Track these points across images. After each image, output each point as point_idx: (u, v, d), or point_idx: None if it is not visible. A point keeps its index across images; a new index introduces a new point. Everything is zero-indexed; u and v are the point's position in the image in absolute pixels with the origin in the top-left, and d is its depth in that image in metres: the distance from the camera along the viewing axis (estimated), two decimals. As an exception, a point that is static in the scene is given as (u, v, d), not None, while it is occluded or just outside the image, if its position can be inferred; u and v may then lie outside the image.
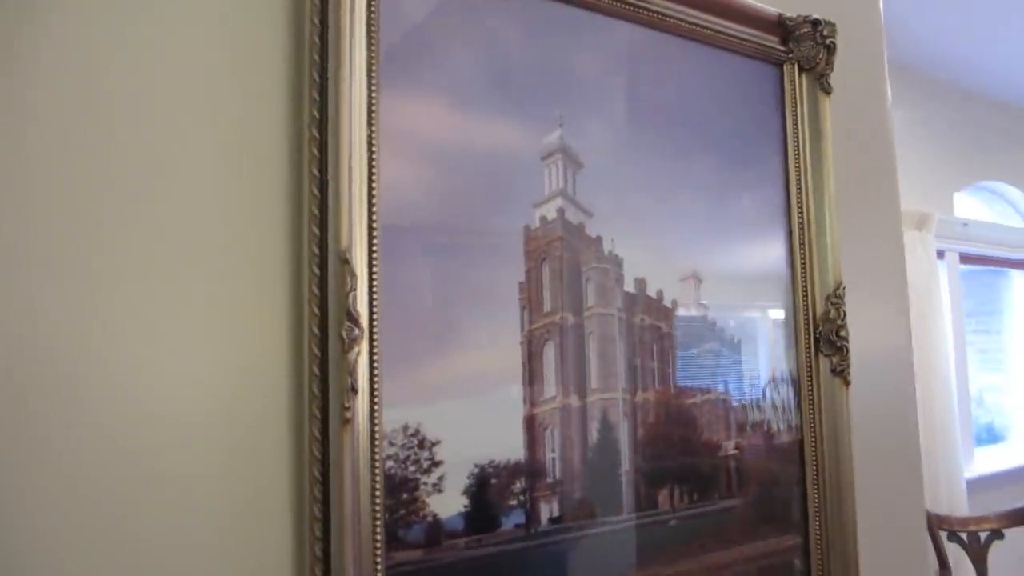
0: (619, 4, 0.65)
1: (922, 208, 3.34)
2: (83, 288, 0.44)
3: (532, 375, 0.58)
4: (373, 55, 0.51)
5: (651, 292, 0.66)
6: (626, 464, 0.63)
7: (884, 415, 0.82)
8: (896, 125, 2.92)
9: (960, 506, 3.27)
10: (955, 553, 2.83)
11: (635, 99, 0.68)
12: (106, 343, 0.44)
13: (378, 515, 0.49)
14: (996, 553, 2.88)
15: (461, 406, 0.55)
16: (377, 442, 0.49)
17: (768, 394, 0.73)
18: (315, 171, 0.49)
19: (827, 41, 0.79)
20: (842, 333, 0.76)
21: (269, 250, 0.49)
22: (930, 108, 3.73)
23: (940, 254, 3.60)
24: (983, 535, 2.86)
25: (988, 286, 4.31)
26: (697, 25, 0.71)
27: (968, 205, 4.11)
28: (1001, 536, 2.85)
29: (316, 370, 0.48)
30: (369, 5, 0.51)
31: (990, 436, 4.18)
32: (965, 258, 3.81)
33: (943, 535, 2.81)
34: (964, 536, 2.87)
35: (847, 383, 0.76)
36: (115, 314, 0.44)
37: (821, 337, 0.76)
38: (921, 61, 3.68)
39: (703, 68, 0.72)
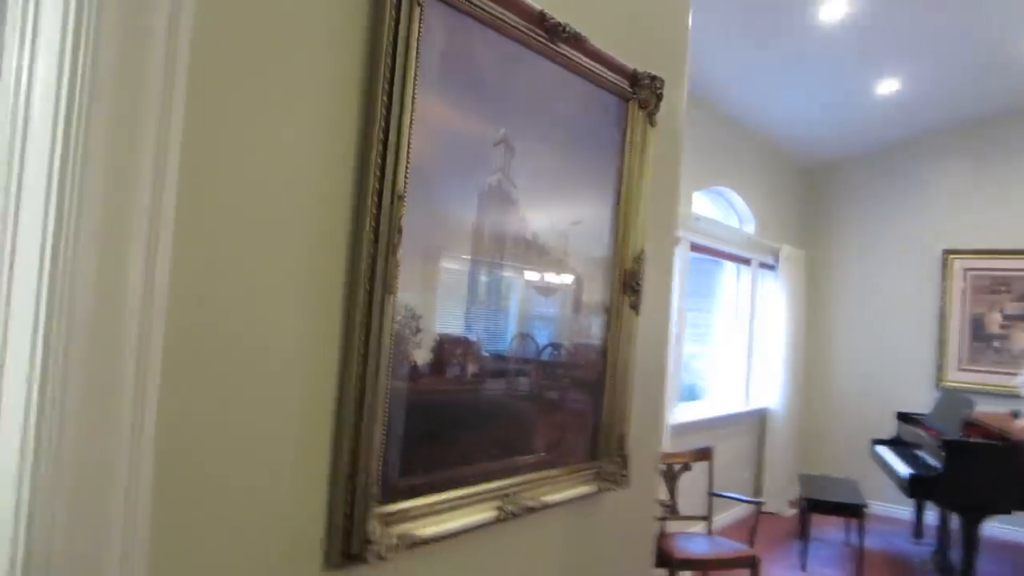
0: (545, 47, 1.01)
1: (672, 201, 4.06)
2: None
3: (472, 286, 0.94)
4: (416, 69, 0.82)
5: (540, 241, 1.05)
6: (514, 354, 1.01)
7: (651, 334, 1.29)
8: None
9: (665, 445, 4.10)
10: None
11: (544, 111, 1.05)
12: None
13: (390, 354, 0.82)
14: (684, 479, 3.75)
15: (435, 298, 0.89)
16: (395, 311, 0.82)
17: (595, 315, 1.16)
18: (380, 138, 0.80)
19: (658, 91, 1.22)
20: (639, 282, 1.21)
21: (344, 188, 0.79)
22: (689, 119, 4.51)
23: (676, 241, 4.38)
24: (677, 467, 3.70)
25: (706, 273, 5.27)
26: (588, 68, 1.09)
27: (700, 202, 5.02)
28: (689, 468, 3.71)
29: (369, 264, 0.79)
30: (418, 38, 0.82)
31: (691, 394, 5.18)
32: (694, 247, 4.67)
33: (648, 465, 3.60)
34: (664, 467, 3.67)
35: (638, 314, 1.21)
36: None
37: (627, 283, 1.20)
38: (692, 81, 4.42)
39: (586, 96, 1.12)
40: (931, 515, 4.82)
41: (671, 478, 3.71)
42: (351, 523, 0.78)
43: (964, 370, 5.27)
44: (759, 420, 5.56)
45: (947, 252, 5.44)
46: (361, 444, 0.79)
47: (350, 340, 0.79)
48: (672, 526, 3.72)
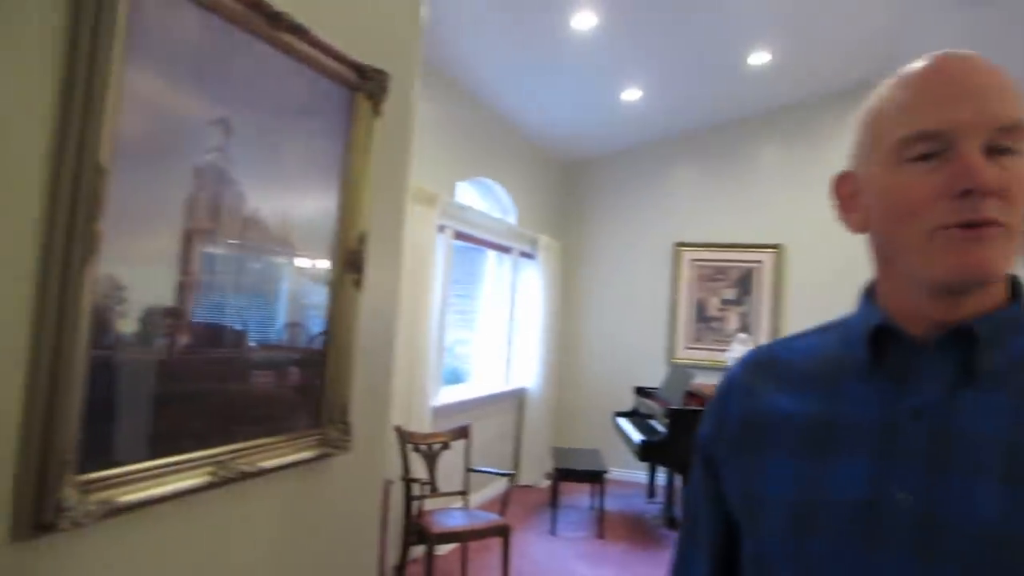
0: (267, 34, 1.07)
1: (432, 189, 4.23)
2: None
3: (185, 258, 0.98)
4: (123, 46, 0.84)
5: (261, 218, 1.10)
6: (231, 324, 1.06)
7: (377, 311, 1.39)
8: (424, 119, 3.73)
9: (426, 427, 4.26)
10: (417, 460, 3.76)
11: (267, 95, 1.10)
12: None
13: (89, 324, 0.84)
14: (446, 458, 3.93)
15: (143, 270, 0.92)
16: (96, 282, 0.84)
17: (318, 291, 1.24)
18: (80, 110, 0.81)
19: (384, 84, 1.32)
20: (362, 261, 1.31)
21: (39, 159, 0.80)
22: (454, 111, 4.70)
23: (441, 228, 4.56)
24: (436, 446, 3.87)
25: (472, 261, 5.52)
26: (313, 57, 1.16)
27: (466, 191, 5.25)
28: (448, 447, 3.90)
29: (65, 235, 0.80)
30: (127, 15, 0.84)
31: (456, 378, 5.42)
32: (458, 235, 4.89)
33: (410, 447, 3.73)
34: (424, 447, 3.82)
35: (360, 289, 1.31)
36: None
37: (350, 261, 1.29)
38: (456, 72, 4.60)
39: (311, 84, 1.19)
40: (662, 476, 5.48)
41: (431, 457, 3.88)
42: (43, 492, 0.79)
43: (690, 348, 6.04)
44: (518, 400, 5.95)
45: (677, 245, 6.17)
46: (56, 413, 0.80)
47: (43, 310, 0.80)
48: (432, 504, 3.89)
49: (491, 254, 5.61)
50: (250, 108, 1.06)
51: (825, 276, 5.52)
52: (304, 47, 1.14)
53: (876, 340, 0.81)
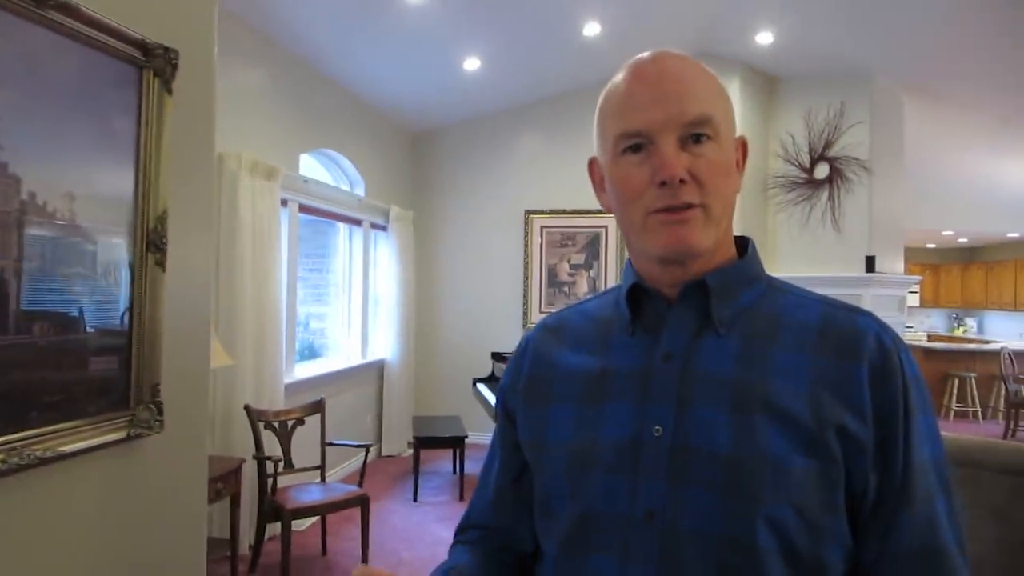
0: (31, 12, 1.05)
1: (271, 163, 4.13)
2: None
3: (-48, 244, 0.96)
4: None
5: (40, 202, 1.09)
6: (13, 306, 1.05)
7: (186, 290, 1.41)
8: (259, 91, 3.69)
9: (279, 403, 4.21)
10: (269, 437, 3.73)
11: (38, 75, 1.08)
12: None
13: None
14: (302, 433, 3.92)
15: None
16: None
17: (118, 272, 1.24)
18: None
19: (173, 61, 1.32)
20: (164, 240, 1.31)
21: None
22: (292, 83, 4.58)
23: (284, 203, 4.48)
24: (290, 422, 3.85)
25: (322, 234, 5.45)
26: (90, 36, 1.15)
27: (311, 165, 5.16)
28: (303, 423, 3.89)
29: None
30: None
31: (312, 353, 5.36)
32: (304, 208, 4.81)
33: (261, 425, 3.69)
34: (277, 424, 3.79)
35: (164, 270, 1.32)
36: None
37: (150, 241, 1.30)
38: (292, 43, 4.48)
39: (90, 62, 1.17)
40: (520, 437, 5.69)
41: (284, 434, 3.86)
42: None
43: (544, 312, 6.28)
44: (377, 371, 5.98)
45: (528, 212, 6.35)
46: None
47: None
48: (289, 480, 3.87)
49: (341, 227, 5.56)
50: (18, 90, 1.05)
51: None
52: (76, 25, 1.13)
53: (634, 299, 0.94)
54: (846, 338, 0.86)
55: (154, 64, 1.30)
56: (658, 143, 0.86)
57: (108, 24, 1.19)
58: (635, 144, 0.87)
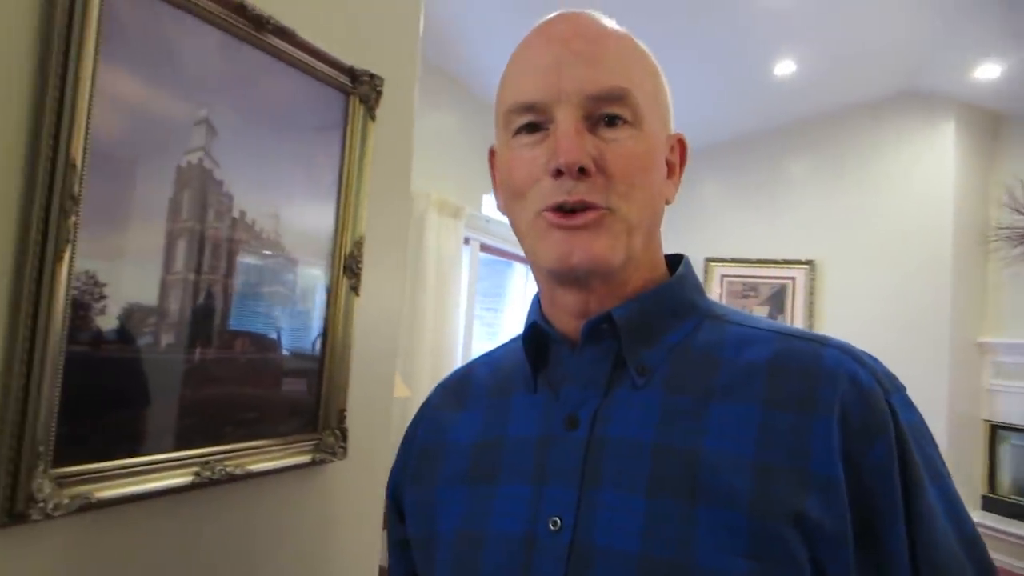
0: (251, 36, 1.08)
1: (457, 202, 4.25)
2: None
3: (168, 257, 0.98)
4: (97, 45, 0.86)
5: (249, 220, 1.11)
6: (219, 322, 1.07)
7: (377, 316, 1.39)
8: (448, 131, 3.80)
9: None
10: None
11: (254, 97, 1.11)
12: None
13: (64, 319, 0.85)
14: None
15: (122, 267, 0.93)
16: (73, 277, 0.85)
17: (314, 296, 1.24)
18: (54, 108, 0.82)
19: (377, 88, 1.32)
20: (359, 265, 1.30)
21: (15, 156, 0.81)
22: (479, 124, 4.72)
23: (466, 241, 4.59)
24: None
25: (499, 274, 5.53)
26: (302, 61, 1.17)
27: (491, 203, 5.26)
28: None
29: (39, 232, 0.81)
30: (98, 16, 0.85)
31: (483, 391, 5.40)
32: (485, 248, 4.90)
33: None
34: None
35: (358, 295, 1.30)
36: None
37: (346, 266, 1.29)
38: (478, 86, 4.63)
39: (301, 86, 1.19)
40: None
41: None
42: (15, 482, 0.80)
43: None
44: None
45: (708, 260, 6.09)
46: (29, 405, 0.81)
47: (18, 305, 0.81)
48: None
49: (517, 266, 5.61)
50: (236, 110, 1.07)
51: (861, 291, 5.38)
52: (291, 50, 1.15)
53: (535, 343, 0.73)
54: (807, 380, 0.61)
55: (360, 91, 1.31)
56: (556, 120, 0.65)
57: (319, 50, 1.21)
58: (529, 123, 0.67)
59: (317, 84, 1.24)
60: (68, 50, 0.83)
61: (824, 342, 0.66)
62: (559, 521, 0.63)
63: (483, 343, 5.33)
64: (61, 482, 0.85)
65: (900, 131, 5.33)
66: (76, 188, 0.83)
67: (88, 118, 0.85)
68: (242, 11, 1.05)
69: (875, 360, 0.64)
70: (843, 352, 0.64)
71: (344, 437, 1.30)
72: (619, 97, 0.66)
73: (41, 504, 0.81)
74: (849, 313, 5.36)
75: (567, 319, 0.71)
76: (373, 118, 1.34)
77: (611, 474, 0.62)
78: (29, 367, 0.81)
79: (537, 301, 0.77)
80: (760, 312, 5.86)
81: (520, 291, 5.65)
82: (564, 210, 0.65)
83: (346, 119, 1.30)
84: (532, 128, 0.68)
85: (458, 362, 4.39)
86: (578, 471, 0.64)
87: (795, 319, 5.75)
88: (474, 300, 4.80)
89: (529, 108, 0.68)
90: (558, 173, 0.64)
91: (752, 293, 5.89)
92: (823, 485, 0.56)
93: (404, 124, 1.48)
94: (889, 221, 5.31)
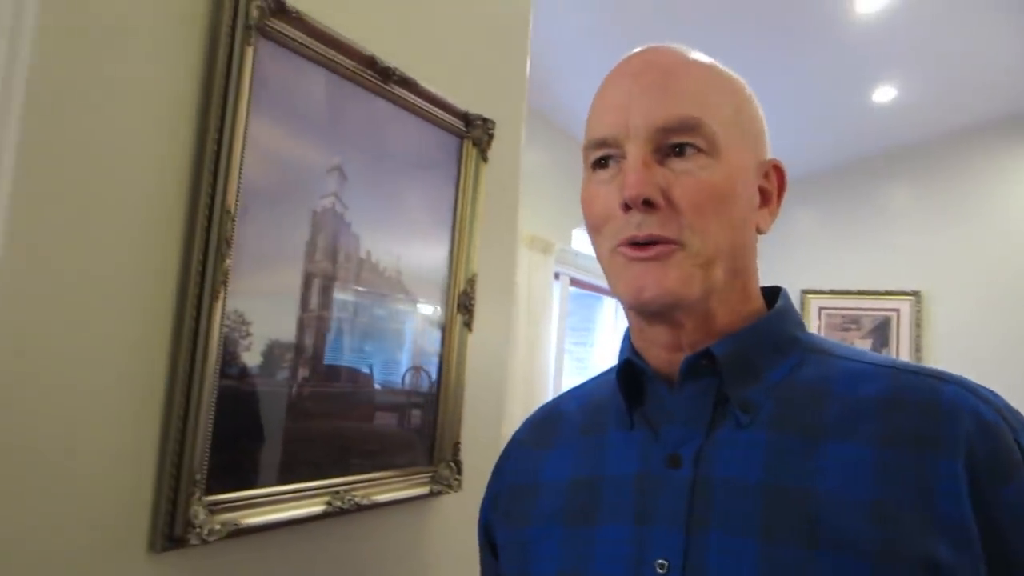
0: (378, 87, 1.15)
1: (548, 237, 4.29)
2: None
3: (304, 296, 1.05)
4: (249, 102, 0.93)
5: (374, 260, 1.17)
6: (347, 357, 1.12)
7: (488, 352, 1.43)
8: (537, 168, 3.85)
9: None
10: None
11: (379, 144, 1.18)
12: (85, 236, 0.80)
13: (218, 355, 0.91)
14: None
15: (266, 306, 0.99)
16: (225, 316, 0.92)
17: (430, 332, 1.29)
18: (212, 160, 0.90)
19: (489, 131, 1.38)
20: (472, 302, 1.35)
21: (177, 204, 0.89)
22: (568, 160, 4.78)
23: (556, 275, 4.62)
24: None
25: (588, 307, 5.53)
26: (422, 108, 1.24)
27: (579, 236, 5.29)
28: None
29: (198, 274, 0.89)
30: (251, 77, 0.93)
31: (572, 427, 5.38)
32: (574, 282, 4.92)
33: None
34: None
35: (471, 330, 1.35)
36: (93, 221, 0.81)
37: (460, 303, 1.34)
38: (568, 123, 4.70)
39: (420, 132, 1.26)
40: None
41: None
42: (174, 509, 0.86)
43: (821, 400, 5.72)
44: (637, 451, 5.80)
45: (805, 292, 5.91)
46: (187, 436, 0.87)
47: (179, 341, 0.88)
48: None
49: (607, 301, 5.59)
50: (363, 156, 1.14)
51: (975, 325, 5.10)
52: (412, 98, 1.22)
53: (630, 380, 0.72)
54: (927, 417, 0.58)
55: (473, 134, 1.36)
56: (627, 154, 0.65)
57: (437, 97, 1.27)
58: (603, 158, 0.68)
59: (434, 129, 1.30)
60: (225, 107, 0.91)
61: (941, 377, 0.63)
62: (666, 564, 0.61)
63: (573, 378, 5.31)
64: (212, 509, 0.91)
65: (1008, 157, 5.08)
66: (230, 233, 0.91)
67: (240, 169, 0.93)
68: (372, 64, 1.12)
69: (996, 395, 0.62)
70: (963, 387, 0.61)
71: (459, 470, 1.33)
72: (689, 127, 0.65)
73: (198, 529, 0.87)
74: (962, 347, 5.08)
75: (660, 354, 0.70)
76: (485, 160, 1.39)
77: (719, 516, 0.61)
78: (187, 401, 0.88)
79: (628, 336, 0.76)
80: (863, 346, 5.64)
81: (610, 325, 5.62)
82: (636, 244, 0.65)
83: (460, 161, 1.36)
84: (606, 163, 0.69)
85: (549, 397, 4.39)
86: (683, 512, 0.62)
87: (901, 353, 5.50)
88: (564, 335, 4.80)
89: (602, 143, 0.69)
90: (627, 207, 0.65)
91: (853, 326, 5.67)
92: (953, 529, 0.54)
93: (512, 165, 1.53)
94: (1001, 251, 5.04)
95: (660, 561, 0.61)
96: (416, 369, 1.27)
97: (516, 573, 0.75)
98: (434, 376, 1.31)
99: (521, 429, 0.88)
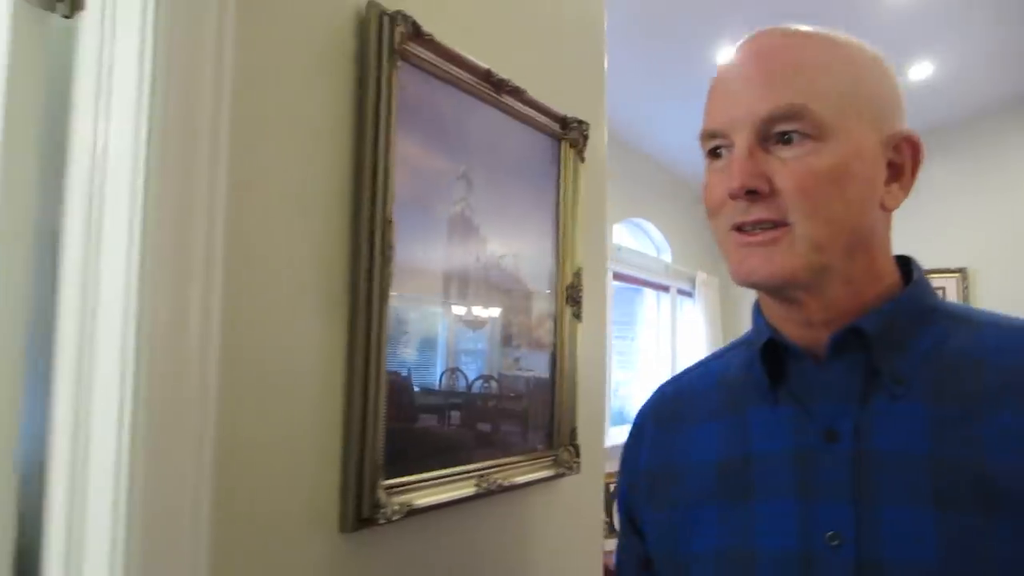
0: (492, 98, 1.24)
1: (593, 233, 4.36)
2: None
3: (446, 295, 1.14)
4: (395, 118, 1.03)
5: (498, 259, 1.26)
6: (486, 356, 1.21)
7: (591, 340, 1.51)
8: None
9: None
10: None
11: (494, 151, 1.27)
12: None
13: (386, 354, 1.00)
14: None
15: (415, 304, 1.08)
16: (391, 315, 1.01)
17: (545, 323, 1.38)
18: (371, 173, 0.99)
19: (585, 132, 1.46)
20: (579, 294, 1.43)
21: (342, 216, 0.99)
22: (609, 157, 4.85)
23: (601, 271, 4.68)
24: (611, 486, 3.92)
25: (629, 301, 5.58)
26: (527, 115, 1.33)
27: (618, 230, 5.36)
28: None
29: (366, 274, 0.98)
30: (396, 93, 1.03)
31: (621, 418, 5.45)
32: (616, 276, 4.98)
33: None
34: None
35: (580, 320, 1.43)
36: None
37: (569, 295, 1.42)
38: (612, 121, 4.76)
39: (526, 138, 1.35)
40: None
41: (607, 497, 3.92)
42: (362, 492, 0.96)
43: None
44: (687, 441, 5.85)
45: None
46: (367, 428, 0.97)
47: (354, 341, 0.98)
48: (610, 544, 3.91)
49: (648, 293, 5.64)
50: (483, 163, 1.23)
51: (1019, 299, 5.10)
52: (519, 106, 1.31)
53: (771, 357, 0.72)
54: None
55: (570, 136, 1.45)
56: (734, 144, 0.67)
57: (540, 103, 1.36)
58: (715, 147, 0.70)
59: (537, 134, 1.39)
60: (378, 125, 1.01)
61: None
62: (838, 536, 0.62)
63: (618, 372, 5.37)
64: (390, 492, 1.00)
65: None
66: (392, 240, 1.00)
67: (394, 181, 1.02)
68: (488, 77, 1.21)
69: None
70: None
71: (577, 453, 1.42)
72: (793, 115, 0.64)
73: (383, 510, 0.96)
74: (1009, 319, 5.06)
75: (795, 329, 0.71)
76: (583, 159, 1.48)
77: (888, 488, 0.62)
78: (365, 395, 0.97)
79: (758, 312, 0.76)
80: (908, 324, 5.63)
81: (651, 319, 5.68)
82: (744, 230, 0.67)
83: (559, 162, 1.45)
84: (719, 152, 0.70)
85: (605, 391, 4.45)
86: (848, 485, 0.63)
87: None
88: (609, 328, 4.87)
89: (711, 135, 0.70)
90: (735, 195, 0.66)
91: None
92: None
93: (600, 161, 1.62)
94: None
95: (830, 534, 0.62)
96: (535, 357, 1.36)
97: (667, 554, 0.76)
98: (550, 365, 1.39)
99: (646, 411, 0.88)
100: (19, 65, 0.78)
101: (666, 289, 5.71)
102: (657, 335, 5.76)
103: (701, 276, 5.98)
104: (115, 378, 0.72)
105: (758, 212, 0.65)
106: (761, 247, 0.65)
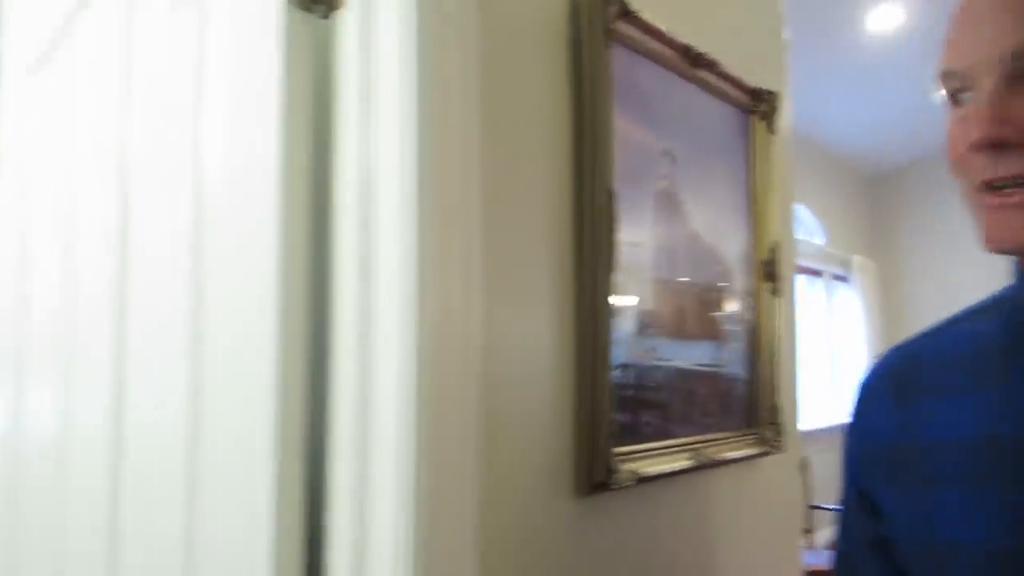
0: (689, 72, 1.24)
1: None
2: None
3: (656, 270, 1.15)
4: (611, 97, 1.06)
5: (701, 235, 1.26)
6: (691, 321, 1.22)
7: (788, 315, 1.49)
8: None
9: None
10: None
11: (692, 126, 1.27)
12: (511, 226, 0.95)
13: (611, 333, 1.03)
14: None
15: (629, 279, 1.11)
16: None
17: (747, 299, 1.37)
18: (591, 153, 1.03)
19: (775, 104, 1.44)
20: (775, 268, 1.41)
21: (560, 187, 1.02)
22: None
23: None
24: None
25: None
26: (720, 88, 1.32)
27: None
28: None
29: (590, 252, 1.02)
30: (610, 70, 1.06)
31: (775, 412, 5.30)
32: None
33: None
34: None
35: (777, 296, 1.41)
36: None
37: (765, 271, 1.41)
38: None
39: (719, 112, 1.34)
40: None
41: (807, 478, 3.82)
42: (594, 459, 0.99)
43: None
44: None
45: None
46: (598, 396, 1.00)
47: (581, 313, 1.02)
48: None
49: (800, 279, 5.44)
50: (684, 138, 1.24)
51: None
52: (714, 80, 1.31)
53: None
54: None
55: (760, 108, 1.43)
56: (978, 87, 0.58)
57: (732, 75, 1.35)
58: (956, 91, 0.61)
59: (728, 107, 1.38)
60: (596, 109, 1.04)
61: None
62: None
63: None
64: (620, 460, 1.03)
65: None
66: (616, 211, 1.03)
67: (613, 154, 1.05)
68: (686, 52, 1.22)
69: None
70: None
71: (779, 432, 1.40)
72: None
73: (616, 475, 1.00)
74: None
75: None
76: (772, 131, 1.45)
77: None
78: (594, 366, 1.01)
79: (1020, 272, 0.69)
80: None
81: (802, 302, 5.48)
82: (993, 189, 0.58)
83: (750, 135, 1.43)
84: (957, 97, 0.62)
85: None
86: None
87: None
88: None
89: (951, 75, 0.61)
90: (979, 148, 0.58)
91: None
92: None
93: (786, 133, 1.59)
94: None
95: None
96: (735, 334, 1.36)
97: (917, 537, 0.69)
98: (749, 341, 1.38)
99: (872, 381, 0.81)
100: (293, 77, 0.79)
101: (819, 274, 5.49)
102: (809, 322, 5.54)
103: (858, 260, 5.71)
104: (393, 375, 0.73)
105: (1011, 166, 0.56)
106: (1015, 210, 0.57)
